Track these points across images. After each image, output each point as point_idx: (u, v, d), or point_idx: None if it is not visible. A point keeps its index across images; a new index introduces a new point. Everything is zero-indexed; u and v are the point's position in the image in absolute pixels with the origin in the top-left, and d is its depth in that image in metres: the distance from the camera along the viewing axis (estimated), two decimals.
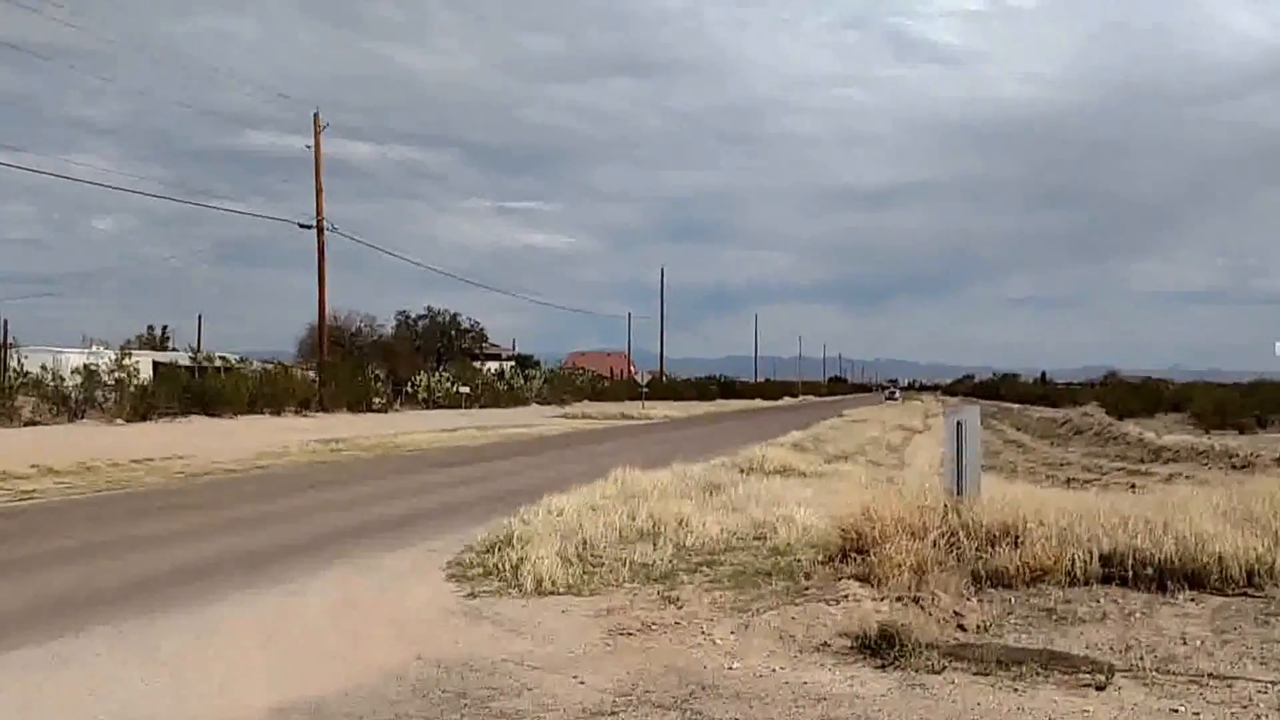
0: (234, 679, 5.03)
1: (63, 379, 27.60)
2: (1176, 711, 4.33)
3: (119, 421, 26.63)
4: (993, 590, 6.22)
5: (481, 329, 63.76)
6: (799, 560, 7.37)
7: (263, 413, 31.74)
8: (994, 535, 6.65)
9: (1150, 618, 5.71)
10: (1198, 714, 4.30)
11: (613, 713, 4.47)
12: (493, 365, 58.91)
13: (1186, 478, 17.78)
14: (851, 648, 5.26)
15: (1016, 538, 6.56)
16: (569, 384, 61.57)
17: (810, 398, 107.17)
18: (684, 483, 12.07)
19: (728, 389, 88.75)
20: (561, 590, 6.77)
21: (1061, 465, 26.16)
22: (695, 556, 7.81)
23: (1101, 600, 6.01)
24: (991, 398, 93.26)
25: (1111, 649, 5.23)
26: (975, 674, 4.83)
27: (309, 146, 36.80)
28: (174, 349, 44.31)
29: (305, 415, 33.17)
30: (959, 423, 7.53)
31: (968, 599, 6.02)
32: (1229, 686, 4.61)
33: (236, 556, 8.52)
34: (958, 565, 6.38)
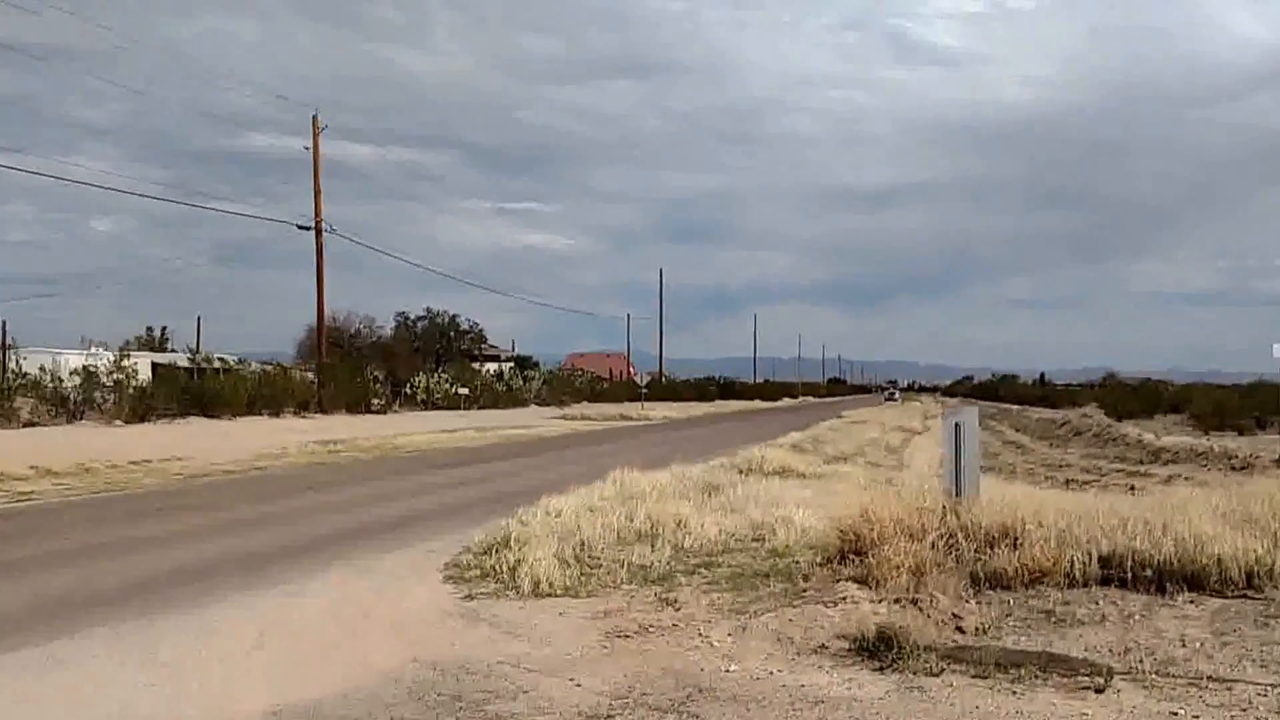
0: (232, 680, 5.02)
1: (61, 380, 27.60)
2: (1176, 714, 4.32)
3: (118, 423, 26.61)
4: (991, 592, 6.21)
5: (480, 330, 63.89)
6: (797, 562, 7.35)
7: (261, 414, 31.68)
8: (993, 537, 6.63)
9: (1149, 620, 5.70)
10: (1197, 717, 4.29)
11: (609, 715, 4.46)
12: (492, 366, 58.89)
13: (1186, 479, 17.79)
14: (849, 650, 5.24)
15: (1015, 539, 6.54)
16: (568, 385, 61.53)
17: (809, 399, 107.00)
18: (682, 484, 12.03)
19: (727, 390, 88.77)
20: (559, 592, 6.76)
21: (1060, 466, 26.18)
22: (693, 558, 7.79)
23: (1100, 602, 6.00)
24: (991, 399, 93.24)
25: (1110, 651, 5.21)
26: (974, 676, 4.82)
27: (308, 148, 36.79)
28: (173, 350, 44.39)
29: (304, 416, 33.13)
30: (957, 424, 7.52)
31: (966, 601, 6.01)
32: (1228, 689, 4.60)
33: (235, 558, 8.51)
34: (956, 567, 6.37)
